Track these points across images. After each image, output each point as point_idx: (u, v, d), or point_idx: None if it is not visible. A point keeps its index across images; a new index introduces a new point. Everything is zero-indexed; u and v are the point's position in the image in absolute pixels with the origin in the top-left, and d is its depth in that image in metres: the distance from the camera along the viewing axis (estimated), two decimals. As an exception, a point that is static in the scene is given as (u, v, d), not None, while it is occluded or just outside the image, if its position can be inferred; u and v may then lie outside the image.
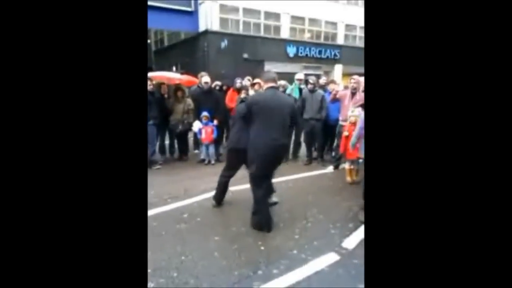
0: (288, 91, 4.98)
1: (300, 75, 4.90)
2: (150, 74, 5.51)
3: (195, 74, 5.64)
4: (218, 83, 5.44)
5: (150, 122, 4.56)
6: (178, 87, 5.10)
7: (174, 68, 12.56)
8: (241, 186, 3.81)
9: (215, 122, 4.88)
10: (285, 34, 15.51)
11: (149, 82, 4.79)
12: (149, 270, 2.06)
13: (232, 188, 3.71)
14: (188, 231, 2.68)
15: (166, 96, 5.05)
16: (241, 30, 14.50)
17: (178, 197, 3.48)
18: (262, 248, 2.37)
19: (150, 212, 3.02)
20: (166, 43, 18.35)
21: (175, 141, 5.32)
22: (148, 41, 20.61)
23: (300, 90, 4.79)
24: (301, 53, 15.60)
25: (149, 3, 12.42)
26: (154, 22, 13.73)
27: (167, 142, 5.43)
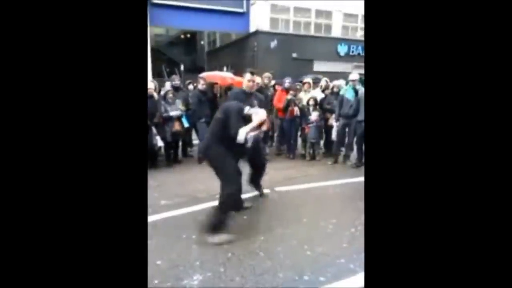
0: (342, 92, 4.81)
1: (354, 76, 4.69)
2: (203, 74, 5.77)
3: (245, 74, 5.74)
4: (272, 82, 5.49)
5: (202, 120, 4.76)
6: (229, 87, 5.25)
7: (225, 68, 12.98)
8: (286, 187, 3.78)
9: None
10: (336, 32, 15.01)
11: (202, 82, 5.02)
12: (197, 263, 2.15)
13: (277, 189, 3.70)
14: (234, 228, 2.74)
15: (218, 95, 5.22)
16: (291, 30, 14.41)
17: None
18: (308, 253, 2.32)
19: (198, 207, 3.15)
20: (218, 44, 19.04)
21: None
22: (201, 42, 21.61)
23: (356, 91, 4.58)
24: (352, 52, 14.96)
25: (203, 6, 13.01)
26: (206, 24, 14.34)
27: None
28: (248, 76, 3.44)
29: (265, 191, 3.62)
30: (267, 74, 5.39)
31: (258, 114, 2.48)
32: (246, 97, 3.28)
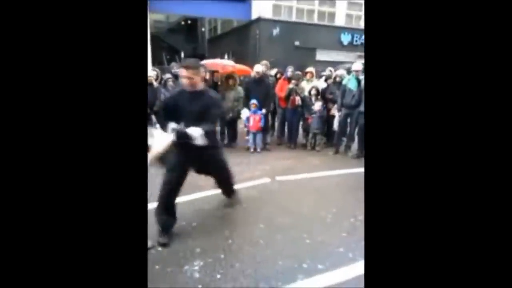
0: (344, 82, 4.75)
1: (357, 66, 4.62)
2: (204, 62, 5.69)
3: (246, 62, 5.69)
4: (274, 70, 5.43)
5: (203, 109, 4.72)
6: (229, 75, 5.19)
7: (226, 56, 12.82)
8: (286, 176, 3.79)
9: (264, 110, 4.89)
10: (340, 21, 14.75)
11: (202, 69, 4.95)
12: (197, 250, 2.18)
13: (278, 178, 3.71)
14: (235, 216, 2.76)
15: (219, 83, 5.17)
16: (293, 17, 14.15)
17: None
18: (308, 241, 2.34)
19: (199, 195, 3.17)
20: (219, 31, 18.74)
21: (225, 128, 5.46)
22: (202, 29, 21.27)
23: (358, 81, 4.53)
24: (356, 41, 14.74)
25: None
26: (207, 11, 14.07)
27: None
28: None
29: (265, 180, 3.63)
30: (264, 62, 5.35)
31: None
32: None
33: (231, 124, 5.31)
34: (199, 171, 2.63)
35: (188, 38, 22.53)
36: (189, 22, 21.89)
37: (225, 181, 2.79)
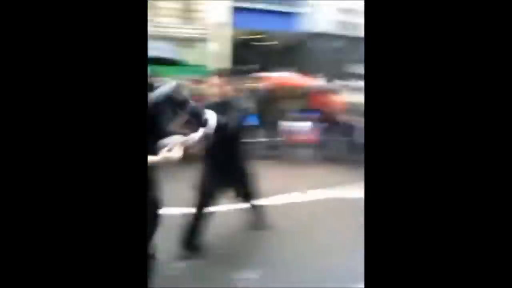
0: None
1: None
2: (267, 75, 6.03)
3: (308, 75, 5.83)
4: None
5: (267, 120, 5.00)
6: (291, 89, 5.44)
7: (288, 70, 13.19)
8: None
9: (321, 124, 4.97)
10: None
11: (264, 83, 5.30)
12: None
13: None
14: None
15: (280, 97, 5.47)
16: (357, 32, 13.97)
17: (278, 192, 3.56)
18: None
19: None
20: (282, 45, 19.25)
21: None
22: (266, 43, 22.01)
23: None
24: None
25: (268, 7, 13.40)
26: (271, 25, 14.67)
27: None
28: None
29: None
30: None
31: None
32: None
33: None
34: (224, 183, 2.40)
35: (253, 52, 23.46)
36: (255, 36, 22.87)
37: (247, 197, 2.57)
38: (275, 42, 18.12)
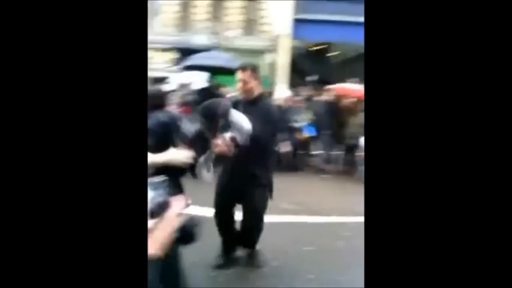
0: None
1: None
2: (332, 86, 5.79)
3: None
4: None
5: (326, 132, 4.77)
6: (357, 101, 5.06)
7: (354, 81, 12.55)
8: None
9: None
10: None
11: (330, 93, 5.06)
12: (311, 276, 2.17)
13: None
14: (346, 250, 2.60)
15: (345, 108, 5.13)
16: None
17: (341, 210, 3.44)
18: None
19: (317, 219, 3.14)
20: (347, 56, 18.61)
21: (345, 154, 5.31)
22: (332, 53, 21.63)
23: None
24: None
25: (330, 17, 13.14)
26: (338, 36, 14.25)
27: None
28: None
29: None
30: None
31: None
32: None
33: (351, 150, 5.12)
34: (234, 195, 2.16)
35: (318, 63, 23.31)
36: (320, 47, 22.70)
37: (249, 223, 2.15)
38: (337, 53, 17.67)
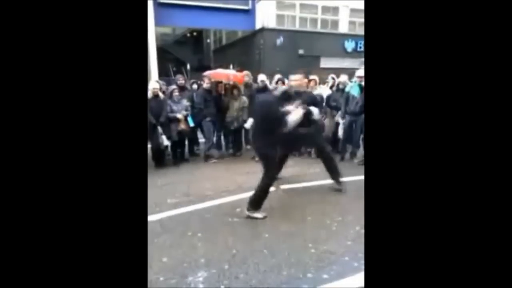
0: (347, 89, 4.76)
1: (360, 72, 4.63)
2: (207, 73, 5.79)
3: (251, 71, 5.76)
4: (278, 76, 5.51)
5: (208, 119, 4.79)
6: (234, 85, 5.25)
7: (231, 66, 12.98)
8: (291, 185, 3.78)
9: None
10: (343, 28, 14.83)
11: (206, 81, 5.06)
12: (202, 260, 2.18)
13: (282, 187, 3.70)
14: (240, 225, 2.76)
15: (222, 93, 5.24)
16: (297, 26, 14.30)
17: (231, 191, 3.60)
18: (313, 250, 2.32)
19: (205, 205, 3.18)
20: (224, 42, 19.04)
21: (230, 138, 5.49)
22: (208, 40, 21.64)
23: (361, 87, 4.53)
24: (360, 47, 14.75)
25: (208, 4, 13.03)
26: (212, 22, 14.35)
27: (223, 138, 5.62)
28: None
29: (271, 189, 3.62)
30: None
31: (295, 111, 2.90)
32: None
33: (237, 133, 5.35)
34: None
35: (193, 50, 22.90)
36: (194, 34, 22.30)
37: (324, 160, 3.64)
38: (212, 40, 17.79)
